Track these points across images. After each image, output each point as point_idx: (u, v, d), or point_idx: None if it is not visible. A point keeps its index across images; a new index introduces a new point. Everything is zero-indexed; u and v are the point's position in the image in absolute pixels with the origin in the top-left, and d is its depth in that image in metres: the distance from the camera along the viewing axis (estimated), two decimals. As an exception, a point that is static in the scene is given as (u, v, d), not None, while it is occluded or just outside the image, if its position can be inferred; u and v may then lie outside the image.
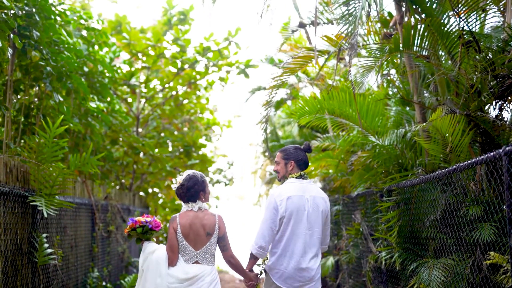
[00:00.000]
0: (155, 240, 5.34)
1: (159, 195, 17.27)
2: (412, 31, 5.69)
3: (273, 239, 5.03)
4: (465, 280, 4.50)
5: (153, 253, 5.06)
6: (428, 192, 5.36)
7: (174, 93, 14.19)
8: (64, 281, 7.05)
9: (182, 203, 5.17)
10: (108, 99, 10.07)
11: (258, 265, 5.19)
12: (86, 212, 8.47)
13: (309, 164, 5.38)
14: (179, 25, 13.10)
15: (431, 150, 5.68)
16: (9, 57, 6.80)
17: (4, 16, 6.17)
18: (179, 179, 5.18)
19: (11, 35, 6.51)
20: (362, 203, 7.90)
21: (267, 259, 5.16)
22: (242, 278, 5.35)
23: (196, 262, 4.95)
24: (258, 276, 5.21)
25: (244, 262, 5.24)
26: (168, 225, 5.11)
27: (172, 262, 4.95)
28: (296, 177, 5.12)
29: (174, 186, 5.26)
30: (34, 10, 6.77)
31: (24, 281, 5.75)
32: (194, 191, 5.05)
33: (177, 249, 4.97)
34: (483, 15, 6.08)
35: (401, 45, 5.86)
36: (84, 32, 9.33)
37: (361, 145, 7.59)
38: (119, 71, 12.03)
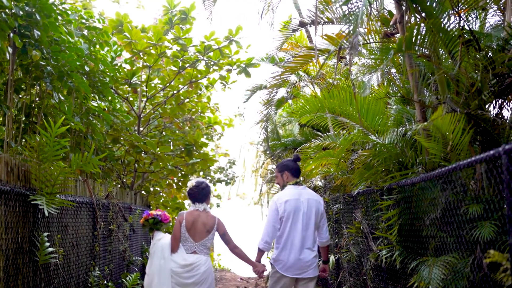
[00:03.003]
0: (164, 230, 6.49)
1: (161, 193, 17.31)
2: (415, 31, 5.70)
3: (276, 236, 6.07)
4: (465, 278, 4.50)
5: (159, 240, 6.19)
6: (428, 190, 5.37)
7: (175, 92, 14.20)
8: (65, 280, 7.07)
9: (190, 203, 6.27)
10: (110, 98, 10.08)
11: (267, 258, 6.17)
12: (87, 211, 8.48)
13: (301, 171, 6.56)
14: (180, 24, 13.10)
15: (431, 149, 5.68)
16: (8, 57, 6.82)
17: (4, 15, 6.18)
18: (192, 182, 6.26)
19: (11, 35, 6.52)
20: (362, 202, 7.91)
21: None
22: (242, 276, 6.15)
23: (194, 252, 6.06)
24: (265, 266, 6.27)
25: (252, 256, 6.37)
26: (175, 219, 6.26)
27: (173, 249, 6.06)
28: (292, 184, 6.26)
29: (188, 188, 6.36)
30: (34, 9, 6.78)
31: (26, 280, 5.76)
32: (205, 192, 6.21)
33: (179, 238, 6.07)
34: (483, 14, 6.08)
35: (403, 47, 5.86)
36: (85, 31, 9.34)
37: (362, 144, 7.60)
38: (120, 70, 12.06)
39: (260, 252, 6.20)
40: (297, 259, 5.99)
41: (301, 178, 14.50)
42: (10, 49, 6.67)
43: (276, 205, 6.06)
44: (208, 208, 6.26)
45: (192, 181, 6.26)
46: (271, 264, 6.22)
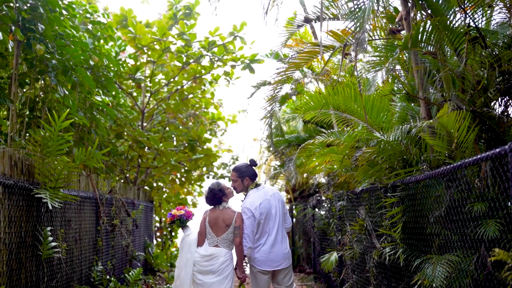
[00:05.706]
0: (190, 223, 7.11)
1: (164, 189, 17.30)
2: (421, 28, 5.66)
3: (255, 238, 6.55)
4: (469, 276, 4.49)
5: (188, 236, 6.87)
6: (432, 188, 5.34)
7: (179, 87, 14.19)
8: (68, 275, 7.07)
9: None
10: (113, 93, 10.07)
11: (246, 262, 6.71)
12: (90, 206, 8.48)
13: (257, 175, 7.01)
14: (184, 19, 13.06)
15: (436, 146, 5.65)
16: (11, 50, 6.81)
17: (5, 8, 6.17)
18: (205, 191, 6.94)
19: (13, 28, 6.51)
20: (366, 199, 7.88)
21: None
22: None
23: (216, 245, 6.63)
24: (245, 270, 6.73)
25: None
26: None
27: (199, 243, 6.71)
28: (255, 187, 6.74)
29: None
30: (39, 3, 6.77)
31: (28, 274, 5.77)
32: (216, 199, 6.73)
33: (204, 233, 6.70)
34: (489, 11, 6.04)
35: (409, 44, 5.82)
36: (89, 26, 9.32)
37: (366, 141, 7.56)
38: (124, 65, 12.05)
39: (244, 256, 6.61)
40: (274, 252, 6.51)
41: (305, 175, 14.50)
42: (11, 43, 6.66)
43: (251, 211, 6.47)
44: (228, 205, 6.78)
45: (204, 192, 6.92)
46: (249, 263, 6.67)
